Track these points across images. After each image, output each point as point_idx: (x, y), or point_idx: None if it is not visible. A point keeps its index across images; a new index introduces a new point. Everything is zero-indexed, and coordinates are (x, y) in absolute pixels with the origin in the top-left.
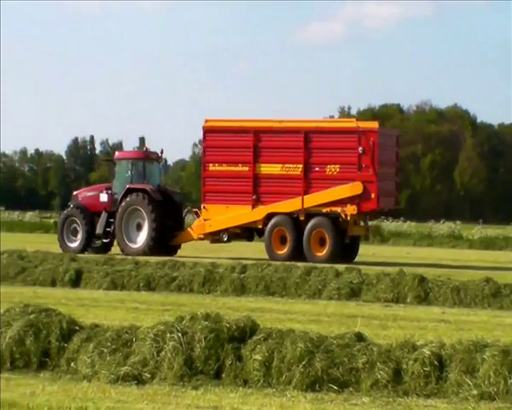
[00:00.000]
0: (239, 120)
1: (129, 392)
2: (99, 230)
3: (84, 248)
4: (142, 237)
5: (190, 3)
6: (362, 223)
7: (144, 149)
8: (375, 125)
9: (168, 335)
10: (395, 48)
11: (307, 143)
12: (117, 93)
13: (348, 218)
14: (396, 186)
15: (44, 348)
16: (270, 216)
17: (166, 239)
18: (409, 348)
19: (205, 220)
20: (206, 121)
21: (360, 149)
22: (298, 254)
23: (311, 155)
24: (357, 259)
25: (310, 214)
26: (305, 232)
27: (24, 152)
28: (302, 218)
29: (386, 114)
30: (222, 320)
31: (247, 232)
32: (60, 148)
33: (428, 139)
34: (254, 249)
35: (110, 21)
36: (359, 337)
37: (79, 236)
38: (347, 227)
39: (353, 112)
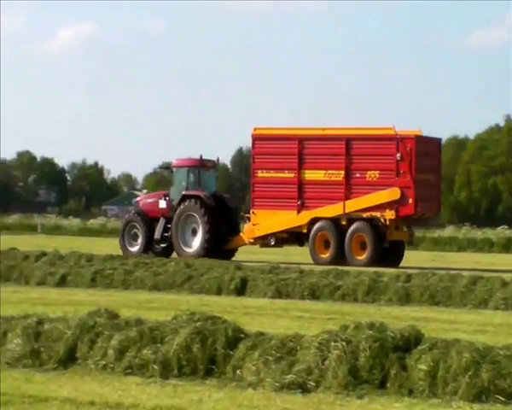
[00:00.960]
0: (285, 128)
1: (294, 400)
2: (157, 235)
3: (144, 252)
4: (196, 242)
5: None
6: (405, 228)
7: (200, 157)
8: (413, 132)
9: (332, 343)
10: None
11: (348, 149)
12: (278, 103)
13: (387, 222)
14: (438, 193)
15: (211, 355)
16: (313, 221)
17: (221, 244)
18: None
19: (254, 225)
20: (255, 129)
21: (398, 155)
22: (340, 257)
23: (352, 161)
24: None
25: (351, 219)
26: (347, 236)
27: None
28: (344, 222)
29: None
30: (386, 329)
31: (293, 237)
32: (225, 157)
33: None
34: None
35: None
36: None
37: (139, 240)
38: (386, 232)
39: None
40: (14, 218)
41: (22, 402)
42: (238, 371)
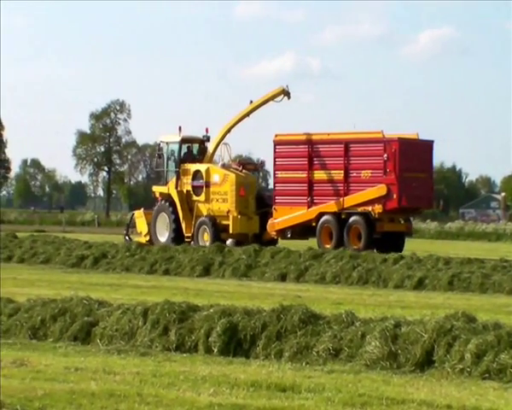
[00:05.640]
0: (298, 133)
1: None
2: None
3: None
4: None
5: None
6: (402, 220)
7: (238, 160)
8: (397, 135)
9: None
10: None
11: (347, 151)
12: None
13: (376, 216)
14: (428, 189)
15: None
16: (320, 215)
17: (261, 236)
18: None
19: (275, 220)
20: (276, 136)
21: (385, 156)
22: (341, 246)
23: (349, 162)
24: None
25: (350, 213)
26: (346, 228)
27: None
28: (344, 216)
29: None
30: None
31: (305, 230)
32: None
33: None
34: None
35: None
36: None
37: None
38: (376, 224)
39: None
40: None
41: (380, 404)
42: None
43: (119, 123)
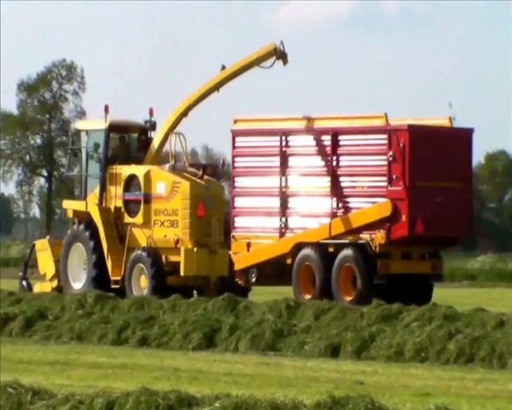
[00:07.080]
0: (269, 118)
1: None
2: None
3: None
4: None
5: None
6: (427, 256)
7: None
8: (409, 120)
9: None
10: None
11: (335, 147)
12: None
13: (377, 249)
14: (465, 207)
15: None
16: (298, 248)
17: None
18: None
19: (234, 254)
20: (236, 121)
21: (390, 154)
22: (326, 295)
23: (338, 163)
24: None
25: (339, 245)
26: (333, 269)
27: None
28: (332, 250)
29: None
30: None
31: (279, 270)
32: None
33: None
34: None
35: None
36: None
37: None
38: (378, 262)
39: None
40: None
41: None
42: None
43: (66, 98)
